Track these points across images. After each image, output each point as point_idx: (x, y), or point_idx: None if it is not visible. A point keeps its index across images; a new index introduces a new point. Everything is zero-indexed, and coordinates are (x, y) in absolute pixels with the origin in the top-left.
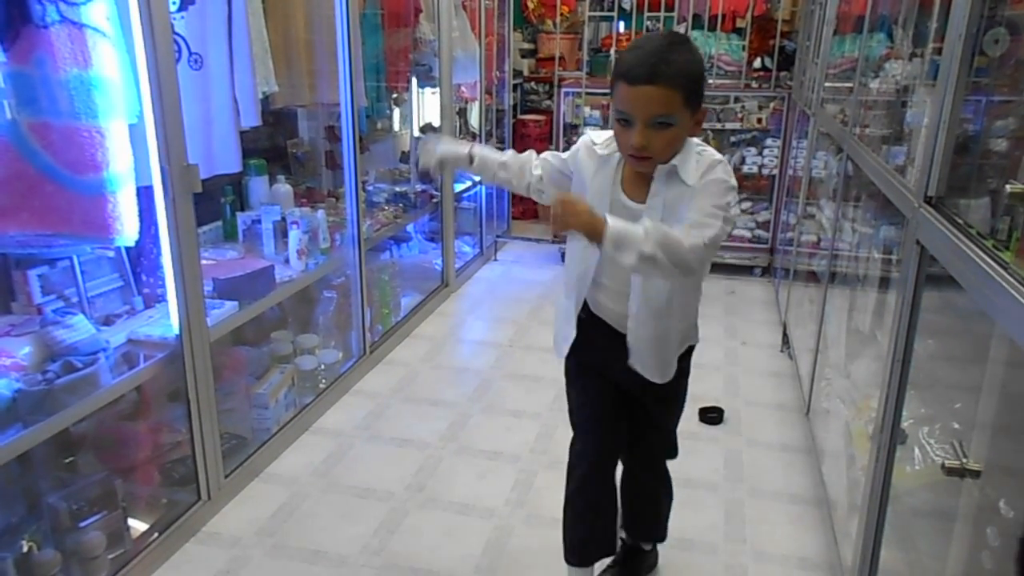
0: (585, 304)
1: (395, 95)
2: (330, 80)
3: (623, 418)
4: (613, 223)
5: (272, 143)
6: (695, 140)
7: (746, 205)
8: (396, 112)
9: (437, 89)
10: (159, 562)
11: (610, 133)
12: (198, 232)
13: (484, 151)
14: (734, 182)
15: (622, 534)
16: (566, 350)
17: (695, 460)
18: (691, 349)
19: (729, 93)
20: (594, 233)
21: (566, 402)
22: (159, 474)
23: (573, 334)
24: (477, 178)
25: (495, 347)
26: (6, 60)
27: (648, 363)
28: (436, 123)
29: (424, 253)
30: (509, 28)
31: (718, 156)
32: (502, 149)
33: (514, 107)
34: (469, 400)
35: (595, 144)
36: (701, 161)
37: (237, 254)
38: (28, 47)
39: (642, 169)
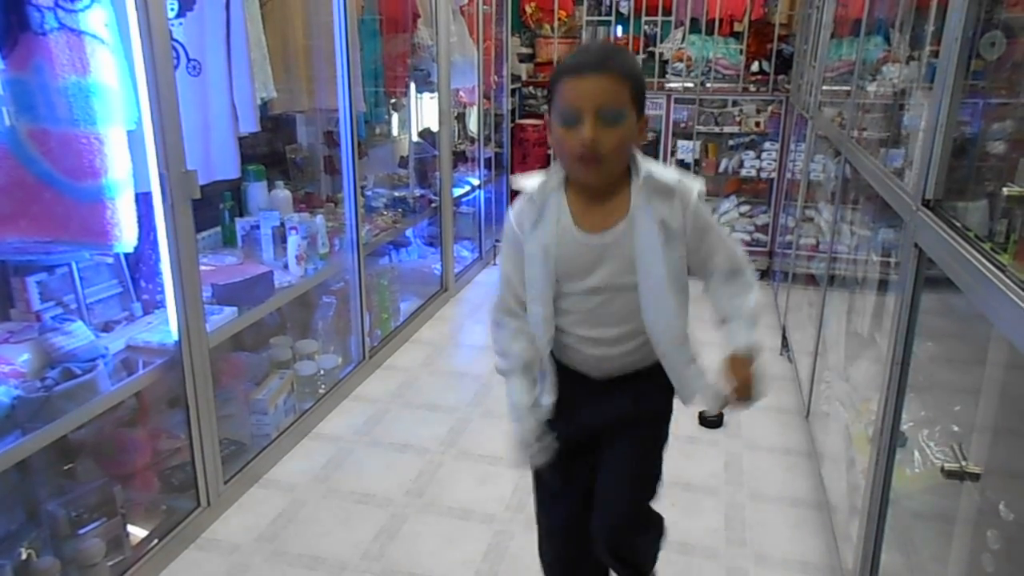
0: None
1: (393, 100)
2: (328, 86)
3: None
4: (746, 349)
5: (271, 149)
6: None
7: (745, 208)
8: (395, 117)
9: (435, 94)
10: (158, 569)
11: (537, 176)
12: (197, 238)
13: (526, 374)
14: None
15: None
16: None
17: (695, 464)
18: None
19: (727, 97)
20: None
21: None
22: (158, 480)
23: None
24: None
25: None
26: (4, 67)
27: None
28: (434, 128)
29: (423, 258)
30: (507, 33)
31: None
32: (499, 153)
33: (512, 111)
34: (469, 405)
35: (525, 194)
36: (664, 170)
37: (236, 260)
38: (26, 54)
39: (591, 177)
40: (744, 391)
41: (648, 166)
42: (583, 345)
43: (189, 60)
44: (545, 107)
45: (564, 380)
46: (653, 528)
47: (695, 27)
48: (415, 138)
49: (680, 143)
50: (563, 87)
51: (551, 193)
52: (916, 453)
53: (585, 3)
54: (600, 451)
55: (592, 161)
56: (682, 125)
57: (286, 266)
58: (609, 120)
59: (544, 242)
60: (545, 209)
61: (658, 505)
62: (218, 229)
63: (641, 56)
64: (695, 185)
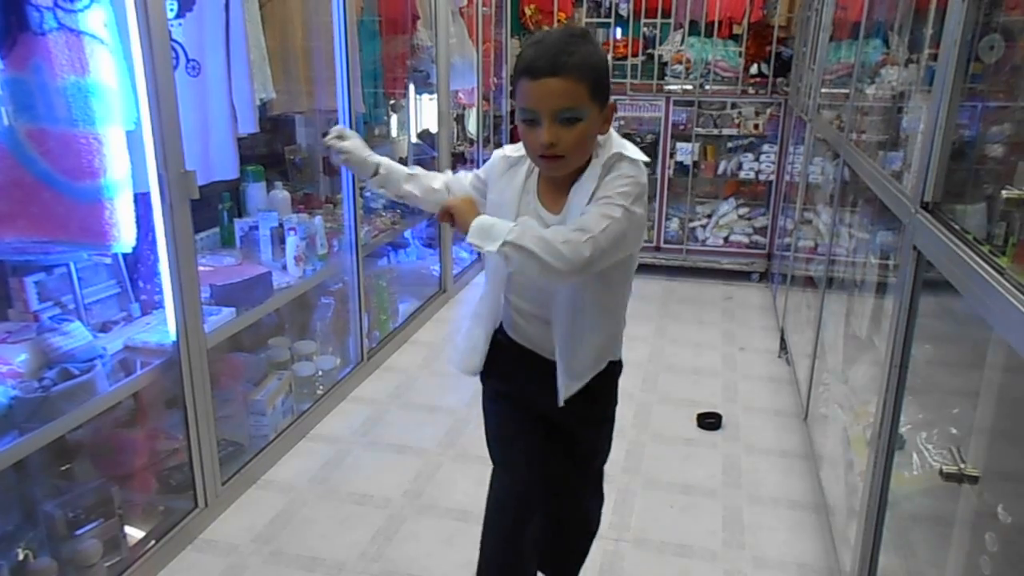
0: (502, 327)
1: (393, 101)
2: (328, 87)
3: (553, 453)
4: (485, 217)
5: (270, 149)
6: (614, 135)
7: (743, 211)
8: (394, 118)
9: (435, 95)
10: (156, 570)
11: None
12: (195, 239)
13: (392, 164)
14: (643, 178)
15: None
16: (477, 362)
17: (693, 466)
18: (614, 371)
19: (726, 99)
20: (463, 220)
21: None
22: (156, 481)
23: (486, 348)
24: (380, 190)
25: None
26: (3, 67)
27: (566, 370)
28: (433, 129)
29: (422, 259)
30: (506, 34)
31: (627, 151)
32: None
33: (511, 113)
34: (467, 406)
35: (506, 151)
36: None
37: (234, 260)
38: (25, 54)
39: (554, 172)
40: (447, 215)
41: (607, 152)
42: (528, 321)
43: (188, 60)
44: None
45: (517, 357)
46: (598, 501)
47: (694, 29)
48: (414, 139)
49: (679, 145)
50: (521, 87)
51: (526, 161)
52: (914, 456)
53: (584, 5)
54: (552, 431)
55: (552, 160)
56: (681, 127)
57: (284, 267)
58: (567, 121)
59: (506, 199)
60: (517, 170)
61: (655, 505)
62: (216, 230)
63: (640, 58)
64: (622, 174)
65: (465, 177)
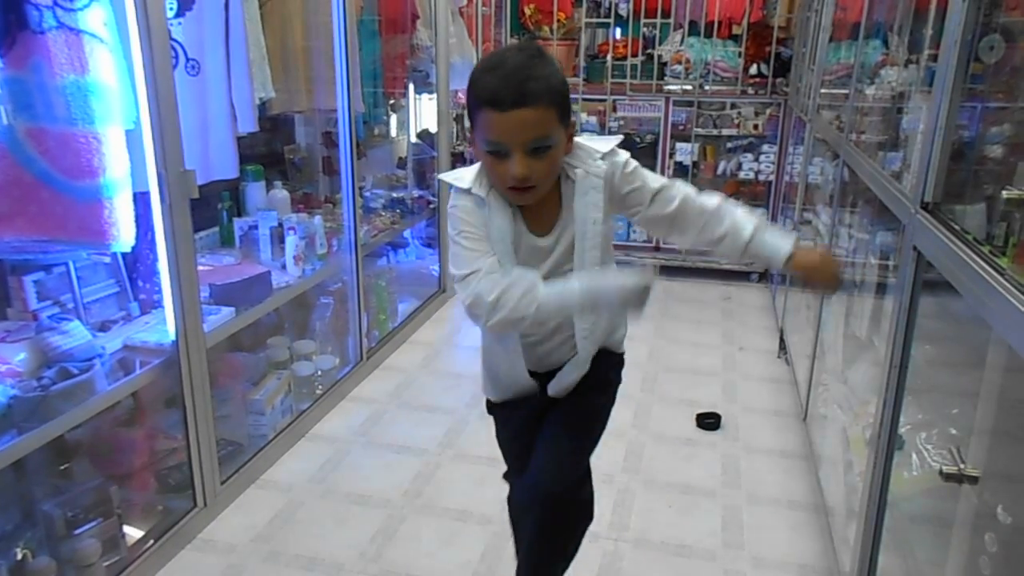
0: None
1: (392, 101)
2: (327, 86)
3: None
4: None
5: (269, 149)
6: (577, 142)
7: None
8: (393, 118)
9: (434, 95)
10: (155, 569)
11: (470, 171)
12: (195, 238)
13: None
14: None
15: None
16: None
17: (692, 466)
18: (620, 358)
19: (725, 99)
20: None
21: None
22: (155, 481)
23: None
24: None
25: None
26: (3, 66)
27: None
28: (433, 129)
29: (421, 259)
30: (506, 34)
31: (600, 145)
32: None
33: None
34: (467, 406)
35: (466, 187)
36: (592, 154)
37: (234, 260)
38: (25, 52)
39: (524, 202)
40: (827, 274)
41: (580, 161)
42: (554, 341)
43: (188, 60)
44: None
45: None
46: (587, 495)
47: (694, 29)
48: (413, 139)
49: (679, 145)
50: (485, 118)
51: (492, 192)
52: (914, 456)
53: (584, 5)
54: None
55: (524, 191)
56: (680, 127)
57: (284, 266)
58: (539, 151)
59: (501, 236)
60: (495, 207)
61: (654, 505)
62: (216, 229)
63: (640, 58)
64: (619, 159)
65: (486, 257)
